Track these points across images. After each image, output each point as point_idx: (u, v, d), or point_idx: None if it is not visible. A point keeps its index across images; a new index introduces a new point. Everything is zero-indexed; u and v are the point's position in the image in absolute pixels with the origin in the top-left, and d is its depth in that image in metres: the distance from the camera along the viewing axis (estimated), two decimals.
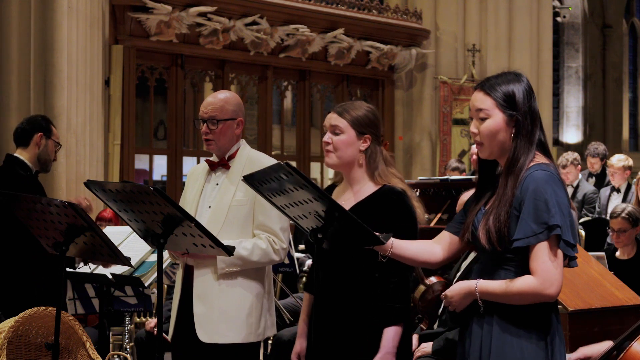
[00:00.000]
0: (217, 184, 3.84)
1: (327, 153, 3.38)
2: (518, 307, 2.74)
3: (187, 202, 3.88)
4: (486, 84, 2.82)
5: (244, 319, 3.73)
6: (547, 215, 2.66)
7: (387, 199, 3.28)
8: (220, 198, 3.79)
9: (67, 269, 4.88)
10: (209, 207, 3.80)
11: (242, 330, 3.73)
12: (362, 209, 3.27)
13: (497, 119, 2.77)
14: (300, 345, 3.50)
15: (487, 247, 2.75)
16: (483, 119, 2.79)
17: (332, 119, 3.37)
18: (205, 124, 3.82)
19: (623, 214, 6.05)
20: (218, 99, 3.85)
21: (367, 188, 3.34)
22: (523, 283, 2.69)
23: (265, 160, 3.78)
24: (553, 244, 2.68)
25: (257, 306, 3.77)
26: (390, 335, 3.22)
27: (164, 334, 3.81)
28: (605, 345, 3.15)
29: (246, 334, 3.74)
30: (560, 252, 2.69)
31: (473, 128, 2.83)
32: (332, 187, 3.54)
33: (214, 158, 3.91)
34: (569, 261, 2.78)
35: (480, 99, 2.80)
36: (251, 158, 3.84)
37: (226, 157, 3.86)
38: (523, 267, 2.72)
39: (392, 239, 2.90)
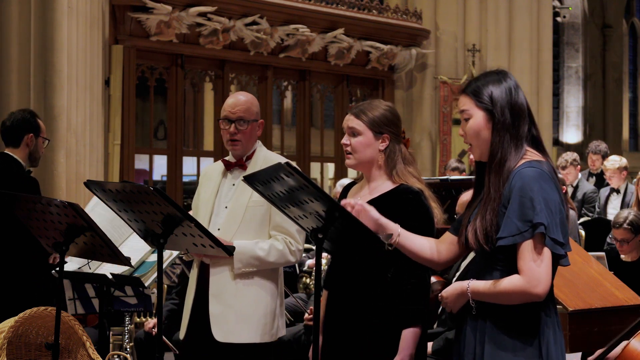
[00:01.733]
0: (234, 184, 3.84)
1: (346, 154, 3.39)
2: (510, 312, 2.71)
3: (203, 201, 3.89)
4: (468, 86, 2.85)
5: (259, 318, 3.75)
6: (532, 213, 2.64)
7: (403, 198, 3.27)
8: (237, 198, 3.80)
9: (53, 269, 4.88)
10: (226, 207, 3.81)
11: (257, 330, 3.74)
12: (376, 206, 3.27)
13: (477, 117, 2.79)
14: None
15: (475, 247, 2.74)
16: (467, 120, 2.81)
17: (349, 120, 3.36)
18: (233, 124, 3.82)
19: (625, 225, 5.95)
20: (244, 100, 3.87)
21: (383, 186, 3.34)
22: (510, 282, 2.68)
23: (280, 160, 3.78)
24: (539, 242, 2.65)
25: (272, 306, 3.78)
26: (409, 337, 3.21)
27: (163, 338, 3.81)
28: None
29: (262, 333, 3.75)
30: (547, 251, 2.66)
31: (460, 130, 2.86)
32: (352, 184, 3.53)
33: (230, 158, 3.92)
34: (559, 259, 2.74)
35: (463, 101, 2.83)
36: (267, 159, 3.84)
37: (244, 158, 3.86)
38: (512, 267, 2.70)
39: (400, 229, 2.90)
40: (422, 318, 3.24)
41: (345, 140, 3.37)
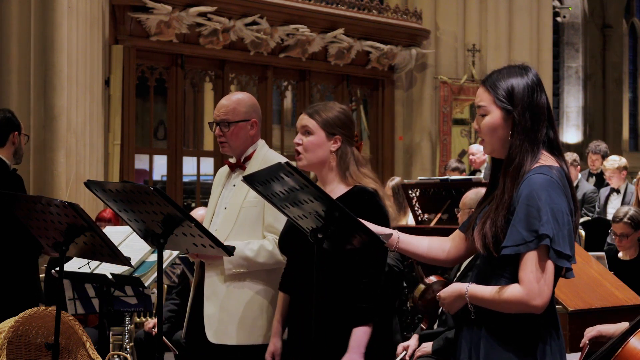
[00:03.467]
0: (234, 185, 3.85)
1: (296, 155, 3.39)
2: (507, 322, 2.66)
3: (210, 203, 3.92)
4: (488, 79, 2.75)
5: (252, 320, 3.72)
6: (538, 223, 2.55)
7: (359, 199, 3.27)
8: (234, 199, 3.80)
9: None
10: (225, 208, 3.81)
11: (250, 332, 3.72)
12: None
13: (494, 115, 2.69)
14: (274, 344, 3.49)
15: (482, 251, 2.68)
16: (484, 115, 2.72)
17: (303, 120, 3.38)
18: (218, 126, 3.82)
19: (625, 219, 5.98)
20: (231, 101, 3.84)
21: (338, 189, 3.34)
22: (509, 292, 2.60)
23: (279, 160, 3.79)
24: (543, 254, 2.57)
25: (267, 308, 3.74)
26: (358, 335, 3.19)
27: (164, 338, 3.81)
28: (622, 326, 3.11)
29: (255, 335, 3.72)
30: (550, 263, 2.58)
31: (475, 124, 2.79)
32: None
33: (233, 160, 3.92)
34: (565, 272, 2.66)
35: (480, 95, 2.74)
36: (266, 159, 3.82)
37: (242, 159, 3.87)
38: (517, 275, 2.62)
39: (399, 233, 2.89)
40: (374, 316, 3.22)
41: (297, 139, 3.38)
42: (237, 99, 3.87)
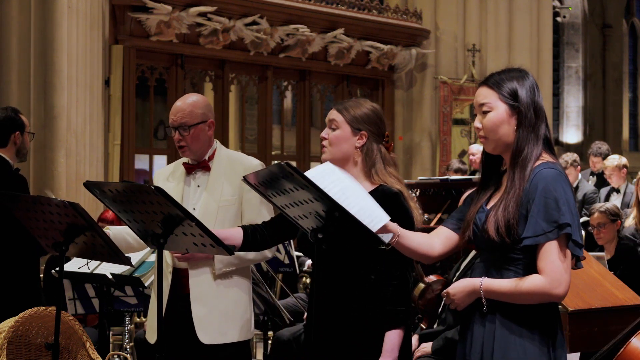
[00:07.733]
0: (199, 186, 3.84)
1: (322, 149, 3.40)
2: (521, 307, 2.72)
3: None
4: (490, 79, 2.85)
5: (241, 316, 3.79)
6: (557, 214, 2.65)
7: (383, 199, 3.26)
8: (207, 199, 3.80)
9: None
10: (194, 209, 3.81)
11: (242, 328, 3.79)
12: None
13: (500, 110, 2.79)
14: None
15: (496, 239, 2.72)
16: (486, 112, 2.80)
17: (332, 114, 3.38)
18: (177, 131, 3.81)
19: (601, 209, 6.09)
20: (186, 104, 3.84)
21: (362, 186, 3.33)
22: (531, 283, 2.67)
23: (245, 159, 3.87)
24: (562, 243, 2.67)
25: (250, 303, 3.84)
26: (392, 338, 3.20)
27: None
28: None
29: (245, 331, 3.80)
30: (568, 252, 2.68)
31: (477, 123, 2.84)
32: None
33: (190, 161, 3.91)
34: (576, 262, 2.77)
35: (484, 93, 2.82)
36: (231, 158, 3.88)
37: (206, 159, 3.86)
38: (530, 268, 2.70)
39: (399, 228, 2.90)
40: (405, 319, 3.23)
41: (324, 133, 3.38)
42: (193, 101, 3.86)
